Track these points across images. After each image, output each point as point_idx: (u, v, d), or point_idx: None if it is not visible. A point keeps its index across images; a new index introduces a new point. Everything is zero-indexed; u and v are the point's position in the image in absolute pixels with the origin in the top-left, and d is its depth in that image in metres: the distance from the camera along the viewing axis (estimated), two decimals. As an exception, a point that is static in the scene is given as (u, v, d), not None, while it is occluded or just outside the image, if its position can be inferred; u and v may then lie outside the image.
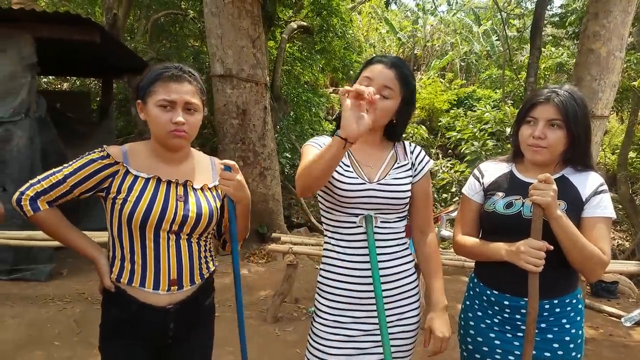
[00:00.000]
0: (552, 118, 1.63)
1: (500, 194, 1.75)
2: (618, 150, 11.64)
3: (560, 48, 12.60)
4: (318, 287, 1.80)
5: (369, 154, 1.76)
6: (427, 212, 1.84)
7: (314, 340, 1.76)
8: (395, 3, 14.77)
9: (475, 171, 1.90)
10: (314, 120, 11.08)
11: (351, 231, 1.71)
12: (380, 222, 1.71)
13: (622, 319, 4.51)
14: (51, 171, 1.58)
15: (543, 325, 1.66)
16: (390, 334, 1.67)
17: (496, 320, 1.74)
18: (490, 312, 1.75)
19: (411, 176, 1.76)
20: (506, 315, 1.71)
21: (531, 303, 1.55)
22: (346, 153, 1.72)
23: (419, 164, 1.79)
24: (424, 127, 14.46)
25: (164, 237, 1.59)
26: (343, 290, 1.73)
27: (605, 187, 1.67)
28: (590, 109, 5.59)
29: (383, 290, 1.67)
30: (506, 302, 1.69)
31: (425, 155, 1.82)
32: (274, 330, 4.01)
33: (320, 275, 1.80)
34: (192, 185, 1.66)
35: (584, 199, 1.64)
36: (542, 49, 13.28)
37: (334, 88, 17.75)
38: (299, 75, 11.43)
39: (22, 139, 4.74)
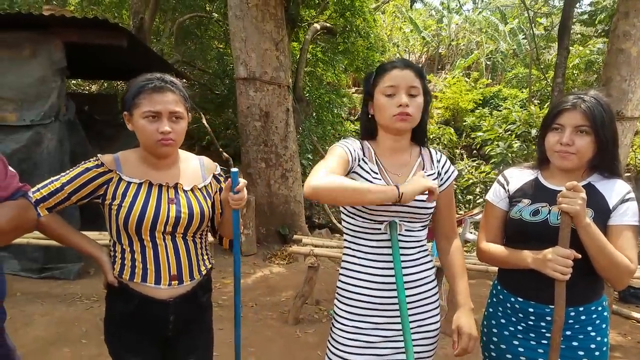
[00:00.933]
0: (579, 124, 1.61)
1: (526, 201, 1.73)
2: (650, 152, 11.32)
3: (589, 46, 12.28)
4: (337, 293, 1.82)
5: (397, 161, 1.78)
6: (452, 219, 1.86)
7: (333, 346, 1.78)
8: (422, 1, 14.70)
9: (500, 178, 1.88)
10: (336, 121, 11.07)
11: (374, 237, 1.73)
12: (405, 230, 1.72)
13: (652, 327, 4.40)
14: (50, 179, 1.65)
15: (568, 332, 1.64)
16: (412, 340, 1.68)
17: (520, 328, 1.72)
18: (514, 319, 1.74)
19: (437, 185, 1.76)
20: (530, 322, 1.69)
21: (557, 311, 1.54)
22: (375, 160, 1.76)
23: (444, 174, 1.80)
24: (452, 128, 14.31)
25: (159, 237, 1.66)
26: (363, 296, 1.73)
27: (633, 195, 1.64)
28: (619, 110, 5.50)
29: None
30: (531, 310, 1.68)
31: (450, 165, 1.83)
32: (295, 331, 4.03)
33: (339, 281, 1.81)
34: (182, 187, 1.71)
35: (611, 207, 1.62)
36: (571, 48, 13.01)
37: (356, 88, 17.75)
38: (322, 76, 11.44)
39: (52, 141, 4.88)
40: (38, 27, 4.77)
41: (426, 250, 1.82)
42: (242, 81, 6.02)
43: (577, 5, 12.38)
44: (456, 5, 20.11)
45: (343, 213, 1.82)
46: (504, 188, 1.84)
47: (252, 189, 6.54)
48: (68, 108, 5.05)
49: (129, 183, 1.65)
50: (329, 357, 1.79)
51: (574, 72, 11.65)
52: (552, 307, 1.60)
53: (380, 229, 1.71)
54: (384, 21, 19.84)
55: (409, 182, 1.59)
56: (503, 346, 1.76)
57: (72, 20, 4.62)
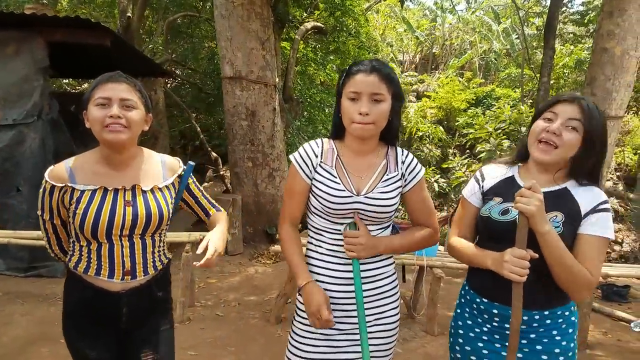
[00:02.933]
0: (573, 117, 1.55)
1: (498, 199, 1.70)
2: (640, 151, 11.37)
3: (580, 45, 12.30)
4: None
5: (362, 163, 1.79)
6: (426, 216, 1.86)
7: (292, 338, 1.83)
8: (412, 1, 14.64)
9: (477, 173, 1.84)
10: (328, 121, 11.05)
11: (334, 237, 1.77)
12: None
13: (632, 324, 4.41)
14: (42, 225, 1.75)
15: (532, 335, 1.62)
16: (368, 332, 1.73)
17: (485, 329, 1.71)
18: (480, 320, 1.72)
19: (400, 187, 1.79)
20: (495, 324, 1.67)
21: (514, 313, 1.52)
22: (338, 160, 1.79)
23: (409, 174, 1.80)
24: (441, 127, 14.33)
25: (116, 240, 1.66)
26: None
27: (608, 205, 1.58)
28: (604, 109, 5.50)
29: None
30: (495, 311, 1.66)
31: (417, 164, 1.83)
32: (277, 330, 4.03)
33: None
34: (141, 189, 1.70)
35: (582, 214, 1.57)
36: (562, 47, 13.05)
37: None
38: (313, 76, 11.42)
39: (35, 140, 4.87)
40: (21, 26, 4.75)
41: None
42: (228, 80, 6.00)
43: (570, 4, 12.47)
44: (450, 5, 20.10)
45: (308, 210, 1.84)
46: (479, 184, 1.80)
47: (239, 188, 6.53)
48: (51, 107, 5.03)
49: (83, 191, 1.64)
50: (289, 350, 1.83)
51: (565, 71, 11.66)
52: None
53: (340, 230, 1.75)
54: (377, 21, 19.82)
55: None
56: (468, 348, 1.75)
57: (55, 19, 4.59)
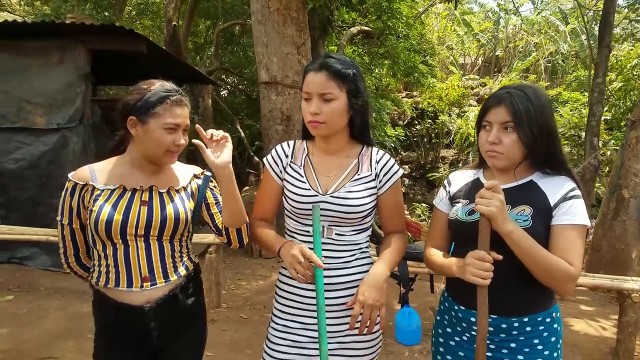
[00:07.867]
0: (504, 120, 1.51)
1: (465, 201, 1.66)
2: None
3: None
4: (275, 292, 1.84)
5: (331, 162, 1.76)
6: (399, 220, 1.82)
7: (266, 345, 1.80)
8: (473, 3, 14.06)
9: (445, 180, 1.82)
10: (379, 125, 10.88)
11: (305, 239, 1.72)
12: (335, 234, 1.70)
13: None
14: (59, 232, 1.73)
15: (513, 345, 1.54)
16: (342, 342, 1.71)
17: (465, 338, 1.64)
18: (459, 328, 1.66)
19: (374, 187, 1.73)
20: (474, 332, 1.57)
21: (480, 320, 1.44)
22: (307, 160, 1.78)
23: (384, 175, 1.75)
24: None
25: (131, 240, 1.64)
26: (294, 295, 1.75)
27: (578, 192, 1.52)
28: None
29: (332, 298, 1.68)
30: (473, 319, 1.57)
31: (393, 165, 1.77)
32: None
33: (278, 280, 1.84)
34: (157, 190, 1.70)
35: (552, 205, 1.51)
36: (632, 48, 12.12)
37: (406, 92, 17.48)
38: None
39: (77, 144, 5.14)
40: (63, 35, 5.04)
41: (366, 253, 1.79)
42: (265, 85, 6.04)
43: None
44: (513, 7, 19.28)
45: (284, 214, 1.82)
46: (446, 190, 1.77)
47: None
48: (93, 113, 5.30)
49: (103, 190, 1.65)
50: (263, 357, 1.79)
51: (634, 71, 10.82)
52: (495, 317, 1.51)
53: (309, 232, 1.69)
54: (434, 24, 19.40)
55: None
56: (449, 357, 1.68)
57: (91, 27, 4.83)
